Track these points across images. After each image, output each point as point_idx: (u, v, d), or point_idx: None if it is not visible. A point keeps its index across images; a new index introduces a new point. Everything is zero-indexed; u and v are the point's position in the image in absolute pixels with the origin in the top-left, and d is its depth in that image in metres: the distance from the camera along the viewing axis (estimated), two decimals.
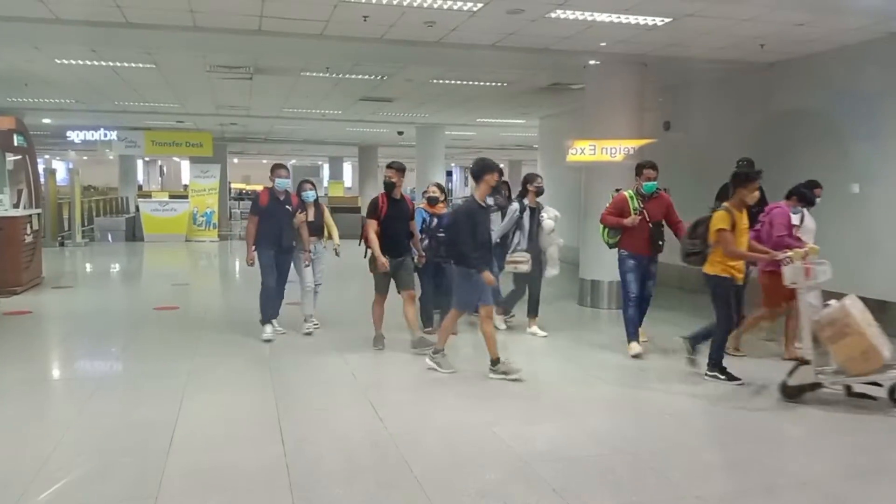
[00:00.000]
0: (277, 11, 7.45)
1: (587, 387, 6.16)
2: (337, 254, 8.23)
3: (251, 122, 19.19)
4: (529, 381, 6.03)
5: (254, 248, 7.41)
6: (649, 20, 7.54)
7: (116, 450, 4.40)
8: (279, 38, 8.50)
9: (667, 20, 7.51)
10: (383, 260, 6.77)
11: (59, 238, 18.16)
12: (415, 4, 7.03)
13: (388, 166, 7.12)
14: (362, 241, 7.04)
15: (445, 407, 5.44)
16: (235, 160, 40.13)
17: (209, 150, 20.80)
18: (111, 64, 10.73)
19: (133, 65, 10.80)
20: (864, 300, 8.03)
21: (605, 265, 9.44)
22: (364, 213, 7.87)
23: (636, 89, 9.91)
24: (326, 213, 8.20)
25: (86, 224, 20.45)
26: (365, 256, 7.08)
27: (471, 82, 11.95)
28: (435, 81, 11.90)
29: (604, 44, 8.76)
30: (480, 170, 6.15)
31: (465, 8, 7.20)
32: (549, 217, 7.95)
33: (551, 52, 9.20)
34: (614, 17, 7.47)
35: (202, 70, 11.04)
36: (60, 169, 31.89)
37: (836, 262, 8.16)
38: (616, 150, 9.72)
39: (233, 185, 39.52)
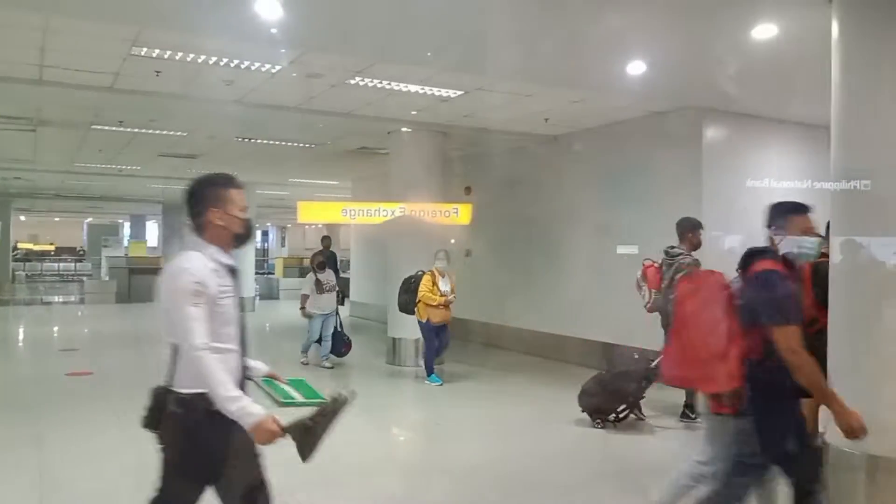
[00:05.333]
0: (60, 61, 6.99)
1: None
2: None
3: (38, 176, 17.65)
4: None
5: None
6: (443, 92, 7.97)
7: None
8: (64, 90, 7.95)
9: (459, 93, 7.98)
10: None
11: None
12: (210, 62, 6.92)
13: None
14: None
15: None
16: (22, 217, 36.50)
17: None
18: None
19: None
20: (639, 352, 8.83)
21: (408, 325, 9.60)
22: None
23: (437, 156, 10.39)
24: None
25: None
26: None
27: (277, 142, 11.87)
28: (239, 140, 11.69)
29: (415, 112, 9.10)
30: None
31: (262, 69, 7.19)
32: None
33: (356, 118, 9.40)
34: (411, 87, 7.82)
35: None
36: None
37: (611, 318, 8.85)
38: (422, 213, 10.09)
39: (19, 245, 35.92)
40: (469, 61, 6.84)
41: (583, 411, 6.72)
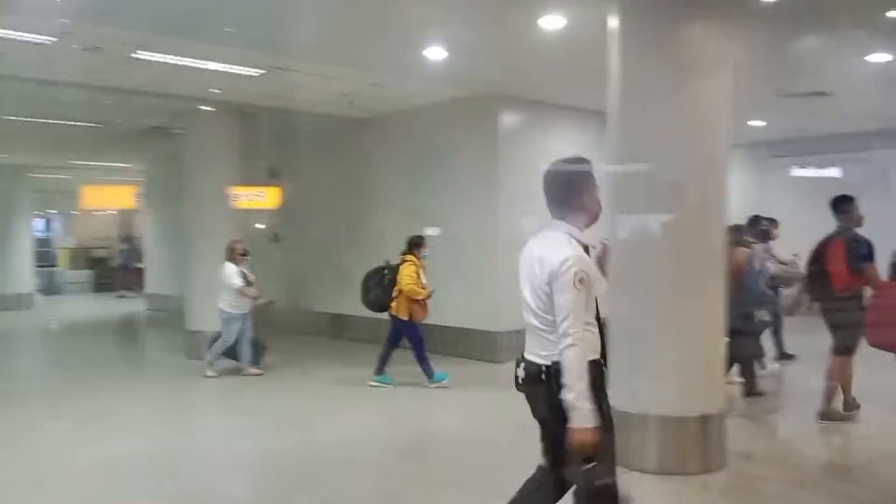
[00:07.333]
0: None
1: None
2: None
3: None
4: None
5: None
6: (242, 70, 7.62)
7: None
8: None
9: (260, 71, 7.67)
10: None
11: None
12: None
13: None
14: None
15: None
16: None
17: None
18: None
19: None
20: (448, 329, 9.07)
21: (209, 314, 9.17)
22: None
23: (238, 136, 9.94)
24: None
25: None
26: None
27: (55, 121, 10.73)
28: (9, 118, 10.42)
29: (210, 91, 8.60)
30: None
31: (36, 41, 6.43)
32: None
33: (147, 95, 8.74)
34: (202, 64, 7.37)
35: None
36: None
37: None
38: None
39: None
40: (262, 39, 6.60)
41: None
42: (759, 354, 7.40)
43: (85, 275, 21.80)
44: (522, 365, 2.98)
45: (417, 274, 7.47)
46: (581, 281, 2.79)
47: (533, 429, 3.07)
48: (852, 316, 5.67)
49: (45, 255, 26.09)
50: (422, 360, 7.61)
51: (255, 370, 8.51)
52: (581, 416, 2.73)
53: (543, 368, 2.88)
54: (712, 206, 5.00)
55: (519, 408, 3.10)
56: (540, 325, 2.91)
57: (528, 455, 3.13)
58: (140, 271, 19.34)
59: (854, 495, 4.63)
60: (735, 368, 7.44)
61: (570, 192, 2.99)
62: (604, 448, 2.86)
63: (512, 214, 8.83)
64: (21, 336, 13.59)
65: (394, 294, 7.53)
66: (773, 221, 8.23)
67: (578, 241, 2.93)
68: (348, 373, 8.44)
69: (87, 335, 13.39)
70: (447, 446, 5.87)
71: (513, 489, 3.13)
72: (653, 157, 4.88)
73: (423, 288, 7.47)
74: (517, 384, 3.01)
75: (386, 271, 7.73)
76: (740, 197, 12.94)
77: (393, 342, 7.73)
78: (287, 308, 11.55)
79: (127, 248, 19.67)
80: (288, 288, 11.58)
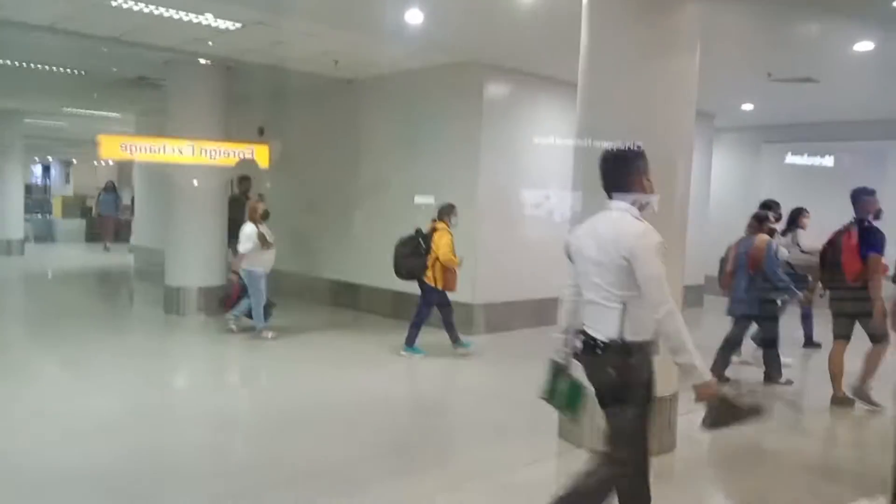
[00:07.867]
0: None
1: None
2: None
3: None
4: None
5: None
6: (220, 23, 7.44)
7: None
8: None
9: (237, 25, 7.49)
10: None
11: None
12: None
13: None
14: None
15: None
16: None
17: None
18: None
19: None
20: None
21: (189, 270, 9.16)
22: None
23: (221, 91, 9.79)
24: None
25: None
26: None
27: (38, 66, 10.55)
28: None
29: (192, 42, 8.41)
30: None
31: None
32: None
33: (125, 43, 8.53)
34: (182, 15, 7.21)
35: None
36: None
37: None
38: (211, 152, 9.51)
39: None
40: None
41: None
42: (775, 339, 7.20)
43: (77, 223, 21.72)
44: (581, 337, 3.12)
45: (452, 242, 7.29)
46: (663, 254, 2.91)
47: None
48: (861, 306, 5.78)
49: (40, 203, 26.10)
50: (418, 327, 7.48)
51: (271, 336, 8.22)
52: (698, 374, 2.83)
53: (601, 343, 3.01)
54: (674, 184, 4.85)
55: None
56: (602, 301, 3.01)
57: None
58: (121, 222, 19.28)
59: (775, 486, 4.58)
60: (745, 350, 7.53)
61: (631, 174, 3.12)
62: (642, 424, 3.08)
63: (492, 185, 8.71)
64: (3, 283, 13.58)
65: (429, 263, 7.29)
66: (803, 210, 8.10)
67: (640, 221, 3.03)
68: (321, 336, 8.44)
69: (70, 285, 13.38)
70: (408, 412, 5.84)
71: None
72: (621, 133, 4.73)
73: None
74: (574, 354, 3.18)
75: (419, 239, 7.40)
76: (732, 181, 12.88)
77: (440, 310, 7.49)
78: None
79: (108, 199, 19.53)
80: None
